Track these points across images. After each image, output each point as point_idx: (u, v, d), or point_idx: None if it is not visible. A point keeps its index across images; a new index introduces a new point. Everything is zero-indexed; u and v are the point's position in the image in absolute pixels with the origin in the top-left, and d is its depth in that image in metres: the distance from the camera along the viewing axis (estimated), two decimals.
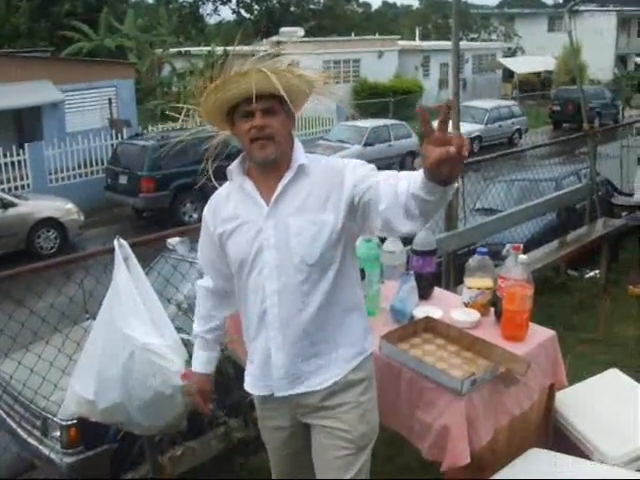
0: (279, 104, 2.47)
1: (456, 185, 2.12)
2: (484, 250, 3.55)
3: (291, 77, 2.43)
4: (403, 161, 21.40)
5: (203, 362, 3.04)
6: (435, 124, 1.97)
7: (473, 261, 3.53)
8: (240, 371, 3.88)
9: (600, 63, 43.42)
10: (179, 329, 3.84)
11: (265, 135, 2.46)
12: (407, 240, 3.74)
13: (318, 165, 2.61)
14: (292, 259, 2.54)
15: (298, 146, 2.62)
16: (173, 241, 4.88)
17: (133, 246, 3.60)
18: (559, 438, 3.62)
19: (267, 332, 2.63)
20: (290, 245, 2.53)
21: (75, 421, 4.77)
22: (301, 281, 2.56)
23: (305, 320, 2.59)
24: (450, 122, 2.08)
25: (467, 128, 24.31)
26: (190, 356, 3.19)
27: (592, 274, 7.60)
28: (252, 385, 2.81)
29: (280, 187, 2.55)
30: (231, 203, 2.65)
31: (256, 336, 2.68)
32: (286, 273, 2.55)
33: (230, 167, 2.64)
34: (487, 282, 3.51)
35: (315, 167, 2.59)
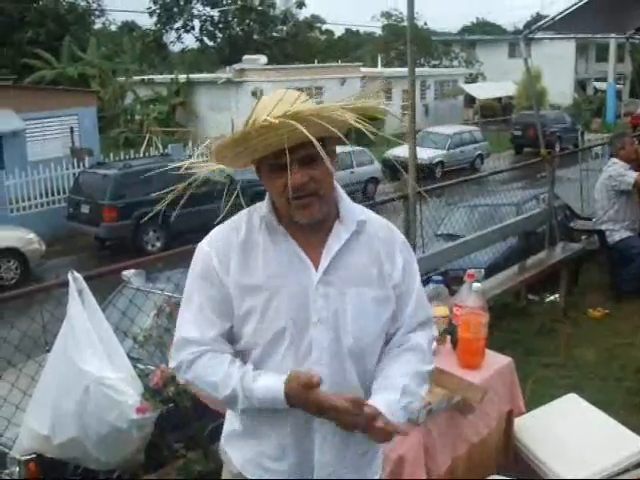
0: (321, 147, 1.88)
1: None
2: (439, 278, 3.58)
3: (335, 114, 1.90)
4: (365, 188, 21.44)
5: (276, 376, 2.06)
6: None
7: (428, 289, 3.54)
8: (197, 403, 3.85)
9: (560, 88, 44.10)
10: (136, 360, 3.81)
11: (307, 193, 1.99)
12: None
13: (373, 221, 2.21)
14: (345, 340, 2.08)
15: (339, 191, 2.16)
16: (128, 273, 4.85)
17: (88, 279, 3.56)
18: (518, 464, 3.64)
19: (310, 424, 2.09)
20: (345, 324, 2.07)
21: (34, 456, 4.68)
22: (353, 365, 2.11)
23: None
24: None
25: (429, 154, 24.53)
26: (145, 389, 3.13)
27: (552, 298, 7.64)
28: None
29: (335, 248, 2.09)
30: (257, 253, 2.09)
31: (294, 431, 2.11)
32: (338, 357, 2.08)
33: (260, 210, 2.13)
34: (443, 310, 3.53)
35: (370, 223, 2.19)
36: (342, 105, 1.93)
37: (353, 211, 2.15)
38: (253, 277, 2.06)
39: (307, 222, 2.03)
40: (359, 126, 1.92)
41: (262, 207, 2.12)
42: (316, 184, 1.99)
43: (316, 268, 2.07)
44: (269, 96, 2.03)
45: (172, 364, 2.19)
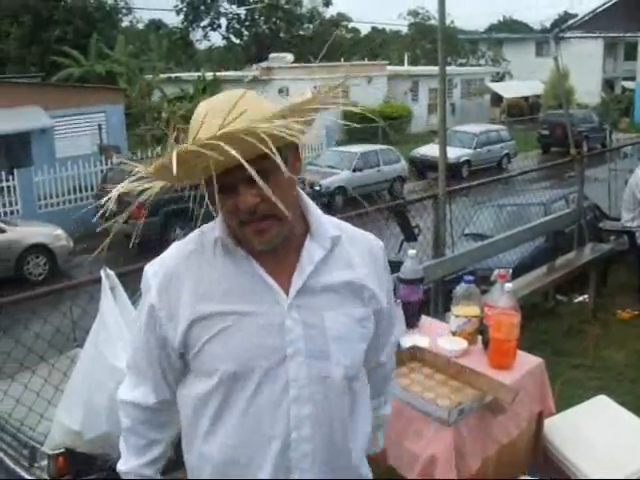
0: (273, 159, 1.56)
1: None
2: (470, 278, 3.56)
3: (281, 121, 1.56)
4: (392, 186, 21.42)
5: None
6: None
7: (460, 289, 3.53)
8: None
9: (587, 87, 43.74)
10: None
11: (260, 216, 1.69)
12: (393, 269, 3.74)
13: (350, 235, 1.93)
14: (331, 371, 1.80)
15: (307, 202, 1.87)
16: None
17: (120, 276, 3.59)
18: (548, 465, 3.61)
19: (289, 474, 1.80)
20: (330, 352, 1.79)
21: (63, 450, 4.72)
22: (341, 399, 1.84)
23: (345, 452, 1.88)
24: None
25: (456, 153, 24.44)
26: None
27: (581, 299, 7.60)
28: None
29: (308, 269, 1.80)
30: (215, 277, 1.80)
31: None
32: (323, 392, 1.79)
33: (214, 232, 1.84)
34: (474, 310, 3.51)
35: (347, 237, 1.91)
36: (286, 109, 1.62)
37: (325, 226, 1.85)
38: (209, 305, 1.77)
39: (265, 248, 1.75)
40: (293, 139, 1.59)
41: (215, 229, 1.84)
42: (270, 204, 1.64)
43: (286, 292, 1.78)
44: (208, 101, 1.74)
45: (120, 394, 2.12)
